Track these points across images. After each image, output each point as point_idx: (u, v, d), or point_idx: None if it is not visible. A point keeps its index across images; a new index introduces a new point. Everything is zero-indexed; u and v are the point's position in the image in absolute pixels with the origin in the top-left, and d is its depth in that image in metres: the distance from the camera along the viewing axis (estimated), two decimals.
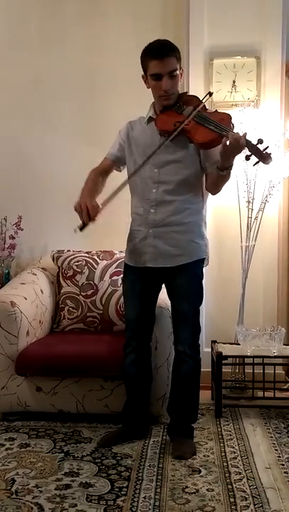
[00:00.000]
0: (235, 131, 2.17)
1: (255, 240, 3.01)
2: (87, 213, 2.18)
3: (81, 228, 2.19)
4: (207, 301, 3.17)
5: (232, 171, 2.21)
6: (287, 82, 3.15)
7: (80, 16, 3.33)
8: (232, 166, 2.15)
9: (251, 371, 2.87)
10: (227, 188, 2.96)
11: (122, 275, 2.92)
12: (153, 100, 2.35)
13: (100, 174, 2.40)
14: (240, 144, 2.04)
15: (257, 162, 2.11)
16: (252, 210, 2.97)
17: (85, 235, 3.28)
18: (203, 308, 3.14)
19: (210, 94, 2.33)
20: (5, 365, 2.62)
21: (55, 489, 2.02)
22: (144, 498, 1.96)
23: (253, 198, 2.96)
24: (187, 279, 2.33)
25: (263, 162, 2.09)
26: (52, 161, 3.38)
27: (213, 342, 2.99)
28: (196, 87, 3.07)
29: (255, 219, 2.99)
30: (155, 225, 2.30)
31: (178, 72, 2.25)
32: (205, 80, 3.11)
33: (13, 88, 3.40)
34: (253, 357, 2.81)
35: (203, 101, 2.25)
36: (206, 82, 3.10)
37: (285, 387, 3.00)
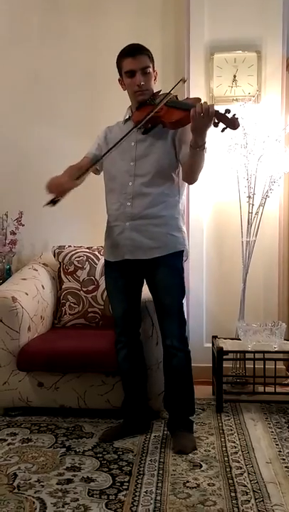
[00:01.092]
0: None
1: (256, 235, 3.01)
2: (58, 188, 2.25)
3: (50, 203, 2.28)
4: (208, 296, 3.19)
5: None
6: (287, 77, 3.14)
7: (80, 11, 3.32)
8: (205, 143, 2.14)
9: (252, 366, 2.87)
10: (228, 183, 3.00)
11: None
12: (129, 104, 2.40)
13: (76, 169, 2.39)
14: (209, 112, 2.05)
15: (224, 128, 2.12)
16: (252, 205, 2.97)
17: (86, 230, 3.32)
18: (204, 304, 3.16)
19: (183, 80, 2.37)
20: (6, 360, 2.63)
21: (57, 484, 2.03)
22: (146, 492, 1.97)
23: (254, 193, 2.95)
24: (167, 273, 2.34)
25: (231, 128, 2.10)
26: (52, 157, 3.36)
27: (214, 337, 3.00)
28: (196, 82, 3.07)
29: (255, 214, 2.98)
30: (132, 218, 2.32)
31: (150, 70, 2.32)
32: (205, 74, 3.10)
33: (12, 84, 3.39)
34: (254, 352, 2.82)
35: (175, 86, 2.28)
36: (206, 76, 3.09)
37: (286, 382, 3.01)
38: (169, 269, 2.35)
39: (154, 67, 2.36)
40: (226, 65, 3.06)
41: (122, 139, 2.25)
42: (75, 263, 3.05)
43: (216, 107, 2.09)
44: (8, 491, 1.99)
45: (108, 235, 2.45)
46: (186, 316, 2.47)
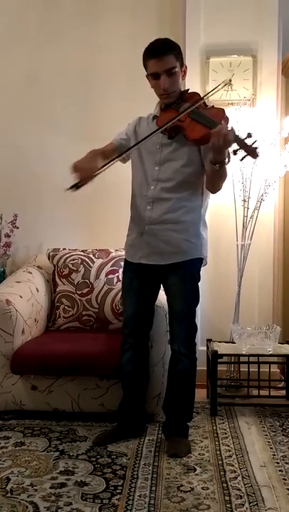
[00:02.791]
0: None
1: (251, 238, 3.01)
2: (85, 172, 2.14)
3: (74, 187, 2.16)
4: (203, 299, 3.15)
5: (228, 168, 2.21)
6: (283, 81, 3.16)
7: (77, 13, 3.32)
8: (225, 160, 2.14)
9: (246, 369, 2.87)
10: (223, 186, 3.00)
11: (117, 274, 2.92)
12: (157, 100, 2.37)
13: (100, 154, 2.32)
14: (227, 139, 2.04)
15: (244, 156, 2.11)
16: (248, 208, 2.98)
17: (81, 233, 3.31)
18: (199, 307, 3.14)
19: (230, 81, 2.33)
20: (0, 363, 2.62)
21: (50, 488, 2.02)
22: (139, 496, 1.96)
23: (249, 197, 2.96)
24: (181, 278, 2.32)
25: (252, 156, 2.09)
26: (48, 159, 3.37)
27: (209, 340, 3.00)
28: (192, 86, 3.03)
29: (250, 218, 2.99)
30: (151, 222, 2.30)
31: (177, 69, 2.25)
32: (201, 78, 3.11)
33: (9, 85, 3.39)
34: (249, 355, 2.82)
35: (210, 93, 2.25)
36: (202, 80, 3.10)
37: (280, 386, 3.01)
38: (183, 275, 2.32)
39: (182, 64, 2.27)
40: (221, 69, 3.07)
41: (143, 139, 2.22)
42: (70, 266, 3.04)
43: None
44: (1, 495, 1.97)
45: (129, 234, 2.43)
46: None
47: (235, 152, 2.10)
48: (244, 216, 2.99)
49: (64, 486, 2.03)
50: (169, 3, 3.24)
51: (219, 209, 3.13)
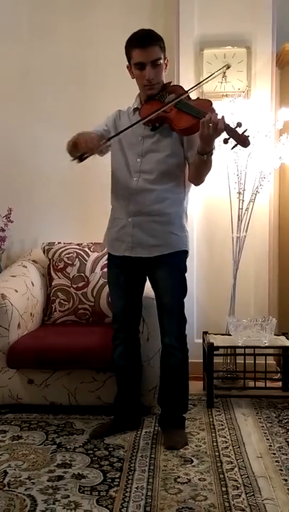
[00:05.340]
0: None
1: (246, 230, 3.01)
2: (89, 143, 2.11)
3: (81, 157, 2.11)
4: (198, 291, 3.19)
5: (214, 160, 2.18)
6: (277, 73, 3.15)
7: (70, 7, 3.30)
8: (212, 150, 2.13)
9: (242, 361, 2.88)
10: (218, 179, 2.99)
11: None
12: (139, 91, 2.34)
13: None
14: (217, 127, 2.03)
15: (235, 145, 2.10)
16: (243, 201, 2.97)
17: (76, 226, 3.30)
18: (194, 299, 3.16)
19: (228, 66, 2.30)
20: None
21: (48, 481, 2.02)
22: (137, 488, 1.97)
23: (244, 189, 2.96)
24: (168, 272, 2.31)
25: (242, 145, 2.08)
26: (42, 153, 3.35)
27: (205, 333, 3.00)
28: (186, 78, 3.06)
29: (246, 210, 2.99)
30: (134, 214, 2.28)
31: (162, 61, 2.24)
32: (195, 70, 3.09)
33: (2, 80, 3.36)
34: (245, 347, 2.82)
35: (209, 78, 2.23)
36: (196, 72, 3.09)
37: (276, 377, 3.02)
38: (170, 268, 2.31)
39: (165, 56, 2.26)
40: (215, 61, 3.05)
41: (126, 128, 2.18)
42: (65, 260, 3.04)
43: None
44: None
45: (110, 226, 2.40)
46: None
47: (226, 141, 2.08)
48: (239, 208, 2.98)
49: (61, 478, 2.04)
50: None
51: (214, 201, 3.12)
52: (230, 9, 3.05)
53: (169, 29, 3.16)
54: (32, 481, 2.02)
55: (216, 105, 2.23)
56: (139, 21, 3.15)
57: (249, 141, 2.06)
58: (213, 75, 2.22)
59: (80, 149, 2.12)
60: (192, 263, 3.17)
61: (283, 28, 3.08)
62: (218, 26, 3.06)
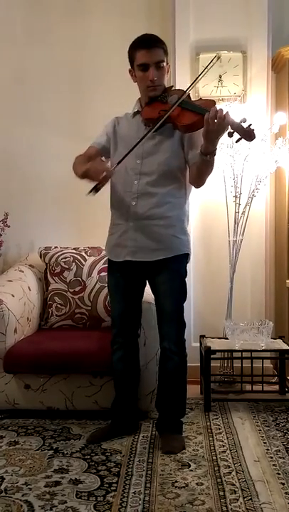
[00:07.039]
0: None
1: (243, 234, 3.02)
2: (101, 175, 2.10)
3: (93, 190, 2.10)
4: (195, 295, 3.19)
5: (216, 162, 2.19)
6: (273, 77, 3.17)
7: (66, 11, 3.31)
8: (215, 150, 2.13)
9: (240, 365, 2.88)
10: (214, 182, 3.00)
11: None
12: (139, 97, 2.35)
13: (87, 159, 2.31)
14: (223, 122, 2.02)
15: (240, 139, 2.09)
16: (239, 204, 2.98)
17: (72, 231, 3.30)
18: (191, 303, 3.16)
19: (217, 57, 2.31)
20: None
21: (45, 486, 2.01)
22: (134, 493, 1.97)
23: (240, 193, 2.97)
24: (169, 276, 2.30)
25: (247, 139, 2.07)
26: (38, 158, 3.36)
27: (202, 336, 3.00)
28: (182, 82, 3.06)
29: (242, 214, 3.00)
30: (136, 218, 2.27)
31: (164, 64, 2.26)
32: (191, 74, 3.10)
33: None
34: (242, 351, 2.83)
35: (205, 71, 2.25)
36: (192, 76, 3.09)
37: (273, 381, 3.02)
38: (171, 273, 2.30)
39: (167, 61, 2.29)
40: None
41: (136, 144, 2.17)
42: (62, 264, 3.04)
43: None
44: None
45: (111, 233, 2.39)
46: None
47: (230, 134, 2.07)
48: (236, 212, 2.99)
49: (58, 484, 2.03)
50: None
51: (211, 205, 3.13)
52: (225, 14, 3.07)
53: (165, 34, 3.14)
54: (29, 486, 2.01)
55: None
56: (134, 26, 3.18)
57: (255, 134, 2.05)
58: (207, 68, 2.23)
59: (94, 180, 2.11)
60: (189, 267, 3.15)
61: (278, 33, 3.11)
62: (213, 31, 3.08)
